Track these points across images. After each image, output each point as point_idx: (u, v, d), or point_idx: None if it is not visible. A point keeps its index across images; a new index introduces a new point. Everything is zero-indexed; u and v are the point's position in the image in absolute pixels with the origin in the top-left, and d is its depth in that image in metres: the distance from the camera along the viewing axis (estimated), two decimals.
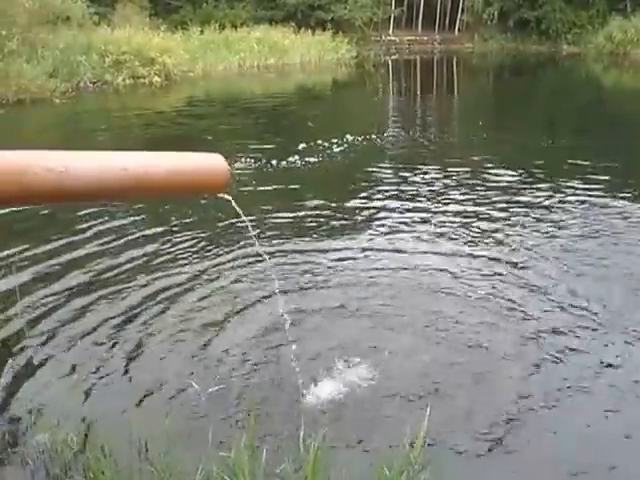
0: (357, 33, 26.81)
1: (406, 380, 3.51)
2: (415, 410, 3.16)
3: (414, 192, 7.30)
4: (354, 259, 5.33)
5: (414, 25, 31.31)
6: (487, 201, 6.87)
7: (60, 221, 6.44)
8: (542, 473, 2.88)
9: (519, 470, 2.90)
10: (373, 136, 10.51)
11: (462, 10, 30.18)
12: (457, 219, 6.28)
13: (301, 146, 9.46)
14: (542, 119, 12.96)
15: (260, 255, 4.90)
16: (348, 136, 10.17)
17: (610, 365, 3.64)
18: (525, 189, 7.33)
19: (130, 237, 5.94)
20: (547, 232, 5.85)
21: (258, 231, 5.71)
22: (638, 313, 4.26)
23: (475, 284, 4.72)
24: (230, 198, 1.76)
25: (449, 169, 8.32)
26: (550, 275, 4.86)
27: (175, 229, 6.15)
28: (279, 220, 6.34)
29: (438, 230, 5.97)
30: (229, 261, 5.27)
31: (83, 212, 6.53)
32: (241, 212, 1.59)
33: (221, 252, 5.51)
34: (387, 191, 7.36)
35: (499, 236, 5.78)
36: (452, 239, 5.75)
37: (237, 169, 8.10)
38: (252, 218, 5.87)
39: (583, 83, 20.15)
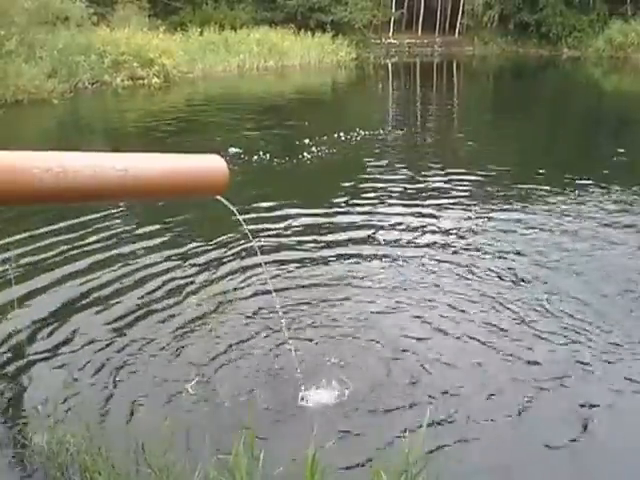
0: (357, 35, 26.77)
1: (402, 382, 3.51)
2: (414, 412, 3.16)
3: (408, 193, 7.37)
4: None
5: (414, 28, 31.28)
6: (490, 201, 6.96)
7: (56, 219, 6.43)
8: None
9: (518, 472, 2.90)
10: (370, 136, 10.55)
11: (462, 13, 30.19)
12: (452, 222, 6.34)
13: (298, 144, 9.50)
14: (540, 123, 12.99)
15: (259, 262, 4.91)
16: (344, 136, 10.21)
17: None
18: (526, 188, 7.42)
19: (123, 237, 5.95)
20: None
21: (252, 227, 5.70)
22: None
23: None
24: (232, 206, 1.74)
25: (444, 172, 8.34)
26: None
27: (169, 228, 6.18)
28: (274, 223, 6.31)
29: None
30: (227, 267, 5.24)
31: (83, 213, 6.52)
32: (241, 218, 1.58)
33: (218, 255, 5.49)
34: (376, 191, 7.43)
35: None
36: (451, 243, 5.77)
37: (234, 167, 8.10)
38: (248, 216, 5.87)
39: (583, 87, 20.18)
